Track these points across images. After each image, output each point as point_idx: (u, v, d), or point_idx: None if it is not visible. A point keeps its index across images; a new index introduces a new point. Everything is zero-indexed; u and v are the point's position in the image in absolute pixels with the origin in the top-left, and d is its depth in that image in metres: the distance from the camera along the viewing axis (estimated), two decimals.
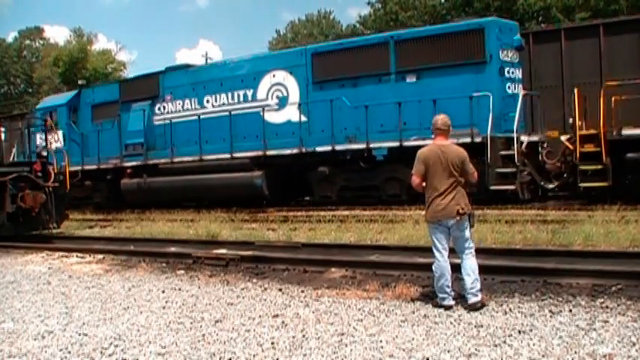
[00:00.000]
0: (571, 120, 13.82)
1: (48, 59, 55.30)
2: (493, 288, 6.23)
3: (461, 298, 5.73)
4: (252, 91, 17.35)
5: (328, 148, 15.75)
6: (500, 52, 14.37)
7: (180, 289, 7.15)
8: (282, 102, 16.89)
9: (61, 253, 10.62)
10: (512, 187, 13.64)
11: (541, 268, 6.68)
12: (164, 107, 19.21)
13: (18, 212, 12.55)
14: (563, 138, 13.78)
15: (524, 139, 13.96)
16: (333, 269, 7.67)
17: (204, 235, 12.04)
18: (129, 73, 56.80)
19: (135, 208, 18.76)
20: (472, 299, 5.53)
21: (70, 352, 4.89)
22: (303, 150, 16.23)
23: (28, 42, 63.15)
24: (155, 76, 19.98)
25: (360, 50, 16.01)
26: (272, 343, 4.82)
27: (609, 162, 13.02)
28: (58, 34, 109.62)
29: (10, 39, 63.24)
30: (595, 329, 4.77)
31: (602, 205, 11.53)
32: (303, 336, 4.98)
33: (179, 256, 9.31)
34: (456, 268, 5.78)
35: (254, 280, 7.47)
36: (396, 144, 14.83)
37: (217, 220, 14.23)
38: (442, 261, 5.68)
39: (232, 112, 17.24)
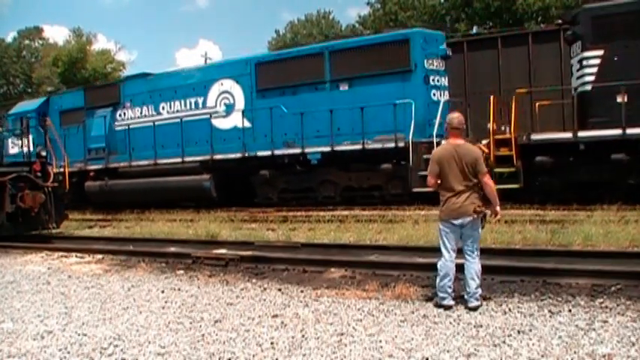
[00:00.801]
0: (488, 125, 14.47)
1: (47, 59, 55.24)
2: (492, 288, 6.23)
3: (459, 298, 5.73)
4: (202, 98, 18.50)
5: (268, 152, 16.74)
6: (425, 61, 15.23)
7: (179, 289, 7.15)
8: (229, 109, 17.96)
9: (61, 253, 10.61)
10: (430, 189, 13.53)
11: (540, 268, 6.69)
12: (124, 114, 20.41)
13: (17, 212, 12.54)
14: (484, 142, 14.33)
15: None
16: (332, 269, 7.67)
17: (203, 235, 12.04)
18: (128, 73, 56.86)
19: (98, 208, 20.11)
20: (474, 303, 5.53)
21: (69, 352, 4.89)
22: (246, 154, 17.19)
23: (27, 42, 63.03)
24: (116, 84, 21.76)
25: (298, 60, 16.94)
26: (271, 343, 4.82)
27: (520, 165, 13.76)
28: (57, 34, 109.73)
29: (9, 39, 63.27)
30: (594, 329, 4.78)
31: (601, 205, 11.53)
32: (303, 336, 4.98)
33: (178, 256, 9.31)
34: (458, 269, 5.77)
35: (253, 280, 7.47)
36: (328, 149, 15.78)
37: (217, 220, 14.24)
38: (449, 261, 5.67)
39: (184, 119, 18.40)
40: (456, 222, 5.59)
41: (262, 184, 17.39)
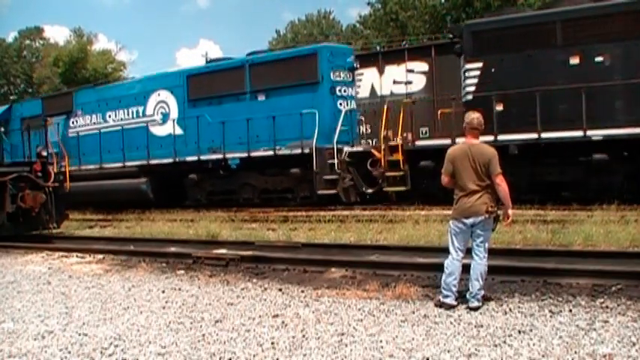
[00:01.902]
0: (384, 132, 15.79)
1: (48, 59, 55.19)
2: (493, 288, 6.23)
3: (461, 297, 5.73)
4: (142, 107, 20.11)
5: (195, 158, 18.34)
6: (332, 73, 16.50)
7: (180, 289, 7.15)
8: (165, 117, 19.60)
9: (61, 253, 10.62)
10: (333, 191, 15.87)
11: (541, 268, 6.69)
12: (76, 121, 21.89)
13: (18, 212, 12.55)
14: (381, 147, 15.56)
15: (347, 149, 16.13)
16: (333, 269, 7.67)
17: (204, 235, 12.04)
18: (129, 73, 56.83)
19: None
20: (474, 304, 5.53)
21: (70, 352, 4.89)
22: (177, 159, 18.81)
23: (28, 42, 63.02)
24: (69, 93, 23.47)
25: (223, 73, 18.54)
26: (272, 343, 4.82)
27: (407, 169, 15.20)
28: (58, 34, 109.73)
29: (10, 39, 63.24)
30: (595, 329, 4.78)
31: (601, 205, 11.54)
32: (303, 336, 4.98)
33: (179, 256, 9.31)
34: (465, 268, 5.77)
35: (254, 280, 7.47)
36: (245, 154, 17.33)
37: (217, 220, 14.25)
38: (457, 260, 5.68)
39: (126, 127, 19.99)
40: (467, 221, 5.59)
41: (192, 186, 18.99)
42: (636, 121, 12.93)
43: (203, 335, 5.16)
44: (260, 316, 5.69)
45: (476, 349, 4.44)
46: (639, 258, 7.28)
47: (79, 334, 5.38)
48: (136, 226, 15.21)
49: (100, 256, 10.08)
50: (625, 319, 5.01)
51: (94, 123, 21.06)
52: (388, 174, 15.41)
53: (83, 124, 21.61)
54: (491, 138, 13.55)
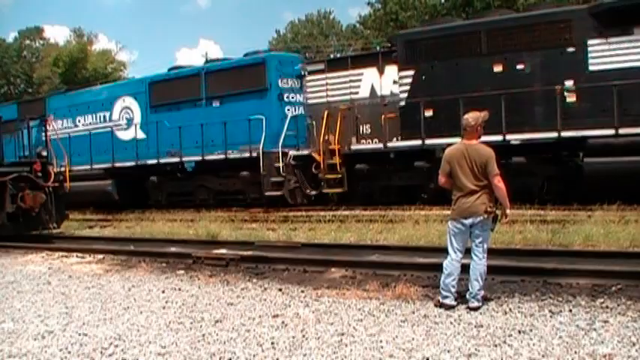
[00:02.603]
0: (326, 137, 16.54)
1: (48, 59, 55.18)
2: (493, 288, 6.23)
3: (461, 298, 5.73)
4: (108, 113, 21.12)
5: (155, 161, 19.36)
6: (280, 80, 17.51)
7: (180, 289, 7.15)
8: (129, 122, 20.57)
9: (61, 253, 10.62)
10: (279, 193, 16.83)
11: (541, 268, 6.69)
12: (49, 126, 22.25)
13: (18, 212, 12.54)
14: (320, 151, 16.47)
15: (292, 153, 16.94)
16: (333, 269, 7.67)
17: (204, 235, 12.04)
18: (129, 73, 56.83)
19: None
20: (474, 304, 5.53)
21: (70, 352, 4.89)
22: (139, 163, 19.76)
23: (28, 42, 62.97)
24: (42, 99, 24.36)
25: (181, 80, 19.58)
26: (272, 343, 4.82)
27: (344, 172, 16.16)
28: (58, 34, 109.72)
29: (10, 39, 63.18)
30: (595, 329, 4.78)
31: (601, 206, 11.54)
32: (303, 336, 4.98)
33: (179, 256, 9.31)
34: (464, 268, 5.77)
35: (254, 280, 7.47)
36: (200, 158, 18.37)
37: (217, 220, 14.26)
38: (456, 260, 5.67)
39: (93, 131, 20.82)
40: (466, 221, 5.58)
41: (153, 188, 20.06)
42: (554, 126, 13.58)
43: (203, 335, 5.16)
44: (260, 316, 5.69)
45: (476, 349, 4.44)
46: (639, 258, 7.28)
47: (79, 334, 5.38)
48: (136, 226, 15.22)
49: (100, 256, 10.08)
50: (625, 319, 5.01)
51: (65, 127, 21.55)
52: (327, 176, 16.42)
53: (55, 128, 22.14)
54: (418, 142, 15.04)
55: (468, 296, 5.62)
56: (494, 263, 6.87)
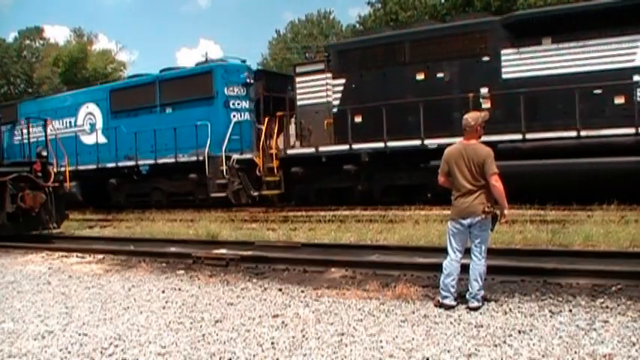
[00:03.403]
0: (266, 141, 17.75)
1: (48, 59, 55.18)
2: (493, 288, 6.23)
3: (461, 298, 5.73)
4: (74, 118, 22.28)
5: (114, 164, 20.54)
6: (226, 88, 18.63)
7: (180, 289, 7.15)
8: (92, 128, 21.79)
9: (61, 253, 10.62)
10: (223, 194, 17.90)
11: (541, 268, 6.69)
12: (20, 130, 22.30)
13: (18, 212, 12.54)
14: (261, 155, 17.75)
15: (235, 156, 18.03)
16: (333, 269, 7.67)
17: (204, 235, 12.05)
18: (129, 73, 56.81)
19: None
20: (474, 304, 5.53)
21: (70, 352, 4.89)
22: (100, 166, 21.02)
23: (28, 42, 62.96)
24: (14, 104, 25.38)
25: (138, 88, 20.83)
26: (272, 343, 4.82)
27: (281, 175, 17.38)
28: (58, 34, 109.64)
29: (10, 39, 63.16)
30: (595, 329, 4.78)
31: (601, 205, 11.54)
32: (303, 336, 4.98)
33: (179, 256, 9.31)
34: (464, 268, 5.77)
35: (254, 280, 7.47)
36: (153, 161, 19.60)
37: (217, 220, 14.26)
38: (455, 261, 5.66)
39: (60, 135, 20.85)
40: (464, 221, 5.58)
41: (113, 189, 21.14)
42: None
43: (203, 335, 5.16)
44: (260, 316, 5.69)
45: (476, 349, 4.44)
46: (639, 258, 7.28)
47: (79, 334, 5.38)
48: (136, 226, 15.22)
49: (100, 256, 10.08)
50: (625, 319, 5.01)
51: (34, 132, 22.09)
52: (267, 179, 17.67)
53: (25, 133, 23.44)
54: (346, 147, 16.10)
55: (467, 296, 5.62)
56: (494, 263, 6.88)
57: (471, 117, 5.76)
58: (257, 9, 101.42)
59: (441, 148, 14.25)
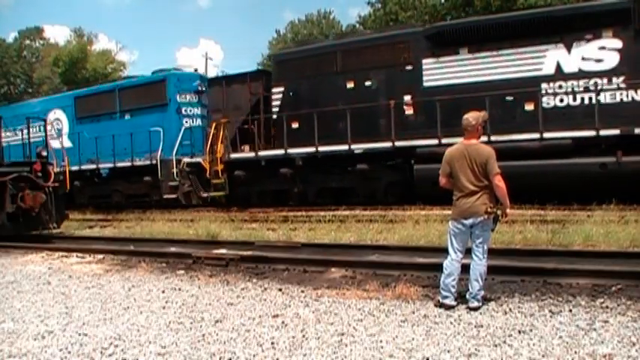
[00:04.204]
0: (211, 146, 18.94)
1: (48, 59, 55.19)
2: (493, 288, 6.23)
3: (461, 298, 5.73)
4: (42, 124, 22.13)
5: (77, 167, 20.82)
6: (178, 96, 19.93)
7: (180, 289, 7.15)
8: (59, 132, 22.36)
9: (61, 253, 10.61)
10: (174, 195, 19.00)
11: (541, 268, 6.69)
12: None
13: (18, 212, 12.53)
14: (204, 159, 19.05)
15: (185, 160, 19.21)
16: (333, 269, 7.67)
17: (204, 235, 12.04)
18: (129, 73, 56.79)
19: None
20: (474, 304, 5.53)
21: (70, 352, 4.89)
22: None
23: (28, 42, 63.02)
24: None
25: (100, 95, 22.17)
26: (272, 343, 4.82)
27: (226, 177, 18.48)
28: (58, 34, 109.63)
29: (10, 39, 63.21)
30: (595, 329, 4.78)
31: (601, 206, 11.55)
32: (303, 336, 4.98)
33: (179, 256, 9.31)
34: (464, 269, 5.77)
35: (254, 280, 7.47)
36: (112, 165, 20.66)
37: (217, 220, 14.26)
38: (456, 261, 5.65)
39: (31, 140, 22.57)
40: (466, 222, 5.57)
41: (77, 191, 21.54)
42: (390, 137, 15.47)
43: (203, 335, 5.16)
44: (260, 316, 5.68)
45: (476, 349, 4.44)
46: (639, 258, 7.29)
47: (79, 334, 5.38)
48: (136, 226, 15.22)
49: (100, 256, 10.08)
50: (625, 319, 5.01)
51: (9, 137, 22.96)
52: (213, 181, 18.83)
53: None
54: (281, 152, 17.14)
55: (468, 296, 5.62)
56: (495, 263, 6.88)
57: (471, 117, 5.74)
58: (257, 9, 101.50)
59: (366, 153, 15.87)
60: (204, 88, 20.45)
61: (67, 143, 21.59)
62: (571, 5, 16.54)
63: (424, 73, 15.68)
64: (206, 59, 49.27)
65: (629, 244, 8.41)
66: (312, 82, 17.20)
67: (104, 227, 16.10)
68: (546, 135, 13.69)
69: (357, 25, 47.03)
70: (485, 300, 5.71)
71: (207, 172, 18.76)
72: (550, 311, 5.34)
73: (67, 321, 5.89)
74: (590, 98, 13.88)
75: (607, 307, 5.40)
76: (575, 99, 14.15)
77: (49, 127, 21.82)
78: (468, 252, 5.79)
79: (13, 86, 61.33)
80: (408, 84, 15.83)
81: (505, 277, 6.55)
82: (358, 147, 15.84)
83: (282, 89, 17.86)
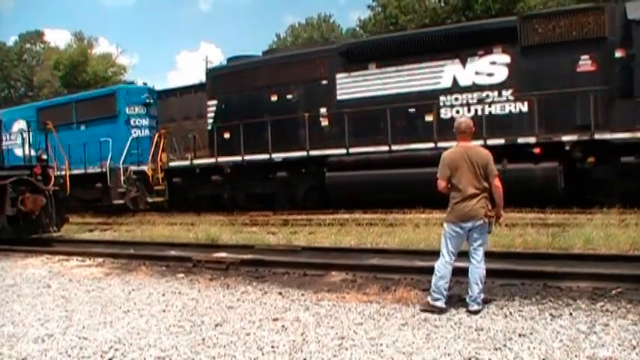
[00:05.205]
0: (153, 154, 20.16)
1: (48, 63, 55.18)
2: (493, 291, 6.23)
3: (461, 301, 5.73)
4: (9, 133, 23.05)
5: None
6: (127, 108, 21.27)
7: (180, 293, 7.15)
8: (22, 143, 22.58)
9: (61, 257, 10.62)
10: (122, 201, 20.19)
11: (541, 271, 6.68)
12: None
13: (18, 215, 12.54)
14: (148, 167, 20.18)
15: (132, 168, 20.38)
16: (333, 273, 7.67)
17: (204, 238, 12.03)
18: (129, 76, 56.79)
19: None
20: (475, 307, 5.53)
21: (70, 356, 4.89)
22: None
23: (28, 46, 63.03)
24: None
25: (59, 107, 23.28)
26: (272, 347, 4.82)
27: (166, 184, 19.79)
28: (59, 38, 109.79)
29: (10, 43, 63.25)
30: (595, 332, 4.77)
31: (601, 209, 11.56)
32: (304, 340, 4.98)
33: (179, 260, 9.30)
34: (460, 272, 5.76)
35: (254, 284, 7.46)
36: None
37: (217, 224, 14.24)
38: (449, 263, 5.64)
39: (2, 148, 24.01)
40: (465, 225, 5.56)
41: None
42: (307, 146, 16.65)
43: (203, 339, 5.15)
44: (260, 320, 5.68)
45: (476, 353, 4.43)
46: (639, 261, 7.28)
47: (79, 338, 5.38)
48: (136, 230, 15.21)
49: (100, 260, 10.07)
50: (625, 323, 5.01)
51: None
52: (156, 188, 19.98)
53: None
54: (212, 160, 18.42)
55: (468, 300, 5.61)
56: (495, 267, 6.88)
57: (465, 120, 5.79)
58: (258, 12, 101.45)
59: (285, 162, 17.02)
60: (152, 101, 21.82)
61: (31, 152, 22.21)
62: (465, 23, 18.29)
63: (338, 87, 16.83)
64: (206, 63, 49.17)
65: (630, 247, 8.39)
66: (241, 96, 18.47)
67: (104, 231, 16.10)
68: (440, 144, 14.44)
69: (358, 29, 47.07)
70: (486, 303, 5.71)
71: (150, 178, 20.07)
72: (550, 314, 5.33)
73: (67, 324, 5.89)
74: (483, 109, 14.81)
75: (607, 310, 5.40)
76: (469, 110, 15.07)
77: (13, 137, 22.55)
78: (465, 255, 5.79)
79: (13, 90, 61.35)
80: (324, 97, 17.00)
81: (505, 281, 6.55)
82: (278, 156, 17.14)
83: (215, 102, 19.20)
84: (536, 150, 13.81)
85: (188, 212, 18.40)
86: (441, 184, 5.73)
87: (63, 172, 21.12)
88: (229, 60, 20.69)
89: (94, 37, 59.63)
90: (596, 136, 13.32)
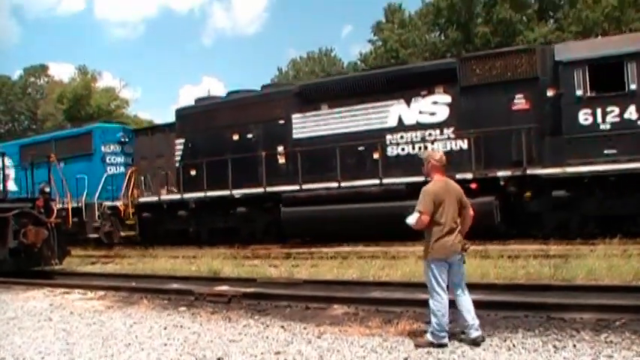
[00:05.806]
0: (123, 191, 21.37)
1: (52, 96, 55.76)
2: (496, 324, 6.19)
3: (461, 333, 5.70)
4: None
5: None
6: (103, 146, 22.50)
7: (181, 326, 7.12)
8: (4, 178, 23.36)
9: (63, 290, 10.59)
10: (97, 235, 21.15)
11: (544, 303, 6.65)
12: None
13: (20, 248, 12.54)
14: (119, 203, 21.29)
15: (106, 204, 21.37)
16: (335, 306, 7.63)
17: (205, 271, 12.00)
18: (132, 110, 57.30)
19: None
20: (475, 334, 5.49)
21: None
22: None
23: (32, 79, 63.77)
24: None
25: (39, 145, 23.79)
26: None
27: (136, 219, 20.96)
28: (63, 71, 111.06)
29: (15, 77, 63.98)
30: None
31: (603, 240, 11.55)
32: None
33: (181, 293, 9.27)
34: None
35: (256, 317, 7.43)
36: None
37: (219, 257, 14.20)
38: (445, 300, 5.55)
39: None
40: (449, 260, 5.55)
41: None
42: (264, 183, 17.62)
43: None
44: (262, 353, 5.65)
45: None
46: None
47: None
48: (137, 263, 15.19)
49: (102, 293, 10.05)
50: (630, 354, 4.98)
51: None
52: (127, 222, 21.12)
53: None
54: (178, 196, 19.43)
55: (466, 330, 5.57)
56: (498, 298, 6.88)
57: (441, 155, 5.84)
58: (260, 46, 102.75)
59: (245, 198, 17.85)
60: (126, 139, 22.90)
61: (14, 187, 22.80)
62: (409, 65, 19.32)
63: (294, 126, 17.76)
64: (208, 92, 49.63)
65: (632, 277, 8.36)
66: (206, 135, 19.38)
67: (106, 263, 16.07)
68: (385, 181, 15.60)
69: (359, 63, 47.61)
70: (489, 336, 5.67)
71: (122, 213, 21.01)
72: (554, 346, 5.30)
73: (68, 358, 5.87)
74: (426, 147, 15.43)
75: (611, 341, 5.37)
76: (413, 148, 15.87)
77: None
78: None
79: (17, 123, 61.84)
80: (281, 136, 17.91)
81: (508, 313, 6.51)
82: (238, 192, 18.07)
83: (183, 140, 20.13)
84: (473, 185, 14.23)
85: (190, 245, 18.41)
86: (426, 219, 5.50)
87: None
88: (197, 100, 21.67)
89: (97, 71, 60.39)
90: (529, 172, 13.99)
